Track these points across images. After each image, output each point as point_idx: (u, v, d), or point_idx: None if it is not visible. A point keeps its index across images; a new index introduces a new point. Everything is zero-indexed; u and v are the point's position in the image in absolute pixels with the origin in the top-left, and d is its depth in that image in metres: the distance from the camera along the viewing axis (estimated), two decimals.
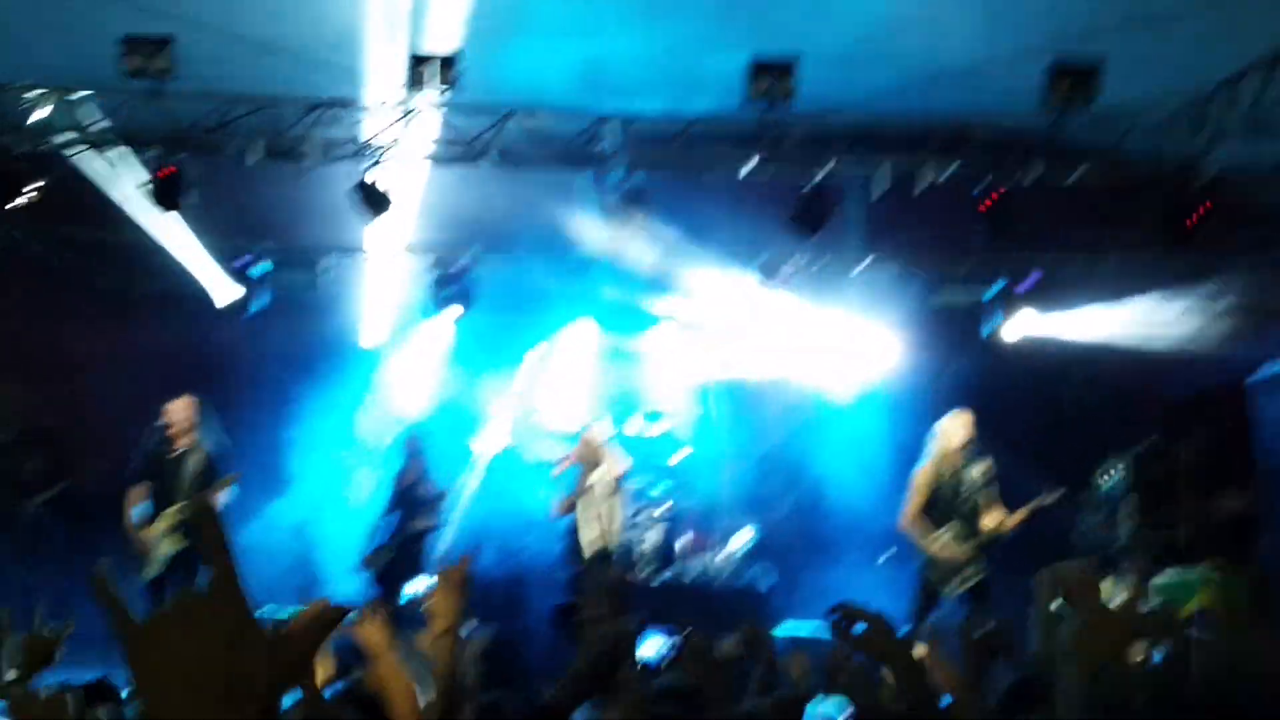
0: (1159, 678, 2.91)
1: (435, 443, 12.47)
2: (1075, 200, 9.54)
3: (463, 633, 3.51)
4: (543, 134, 9.01)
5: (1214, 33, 7.69)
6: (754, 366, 12.49)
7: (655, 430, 11.87)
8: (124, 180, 9.42)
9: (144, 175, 9.10)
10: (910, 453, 9.16)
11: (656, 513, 10.94)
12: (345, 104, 8.88)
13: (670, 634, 4.98)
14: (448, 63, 8.20)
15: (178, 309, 11.33)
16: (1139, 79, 8.12)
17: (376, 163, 8.82)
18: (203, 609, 1.33)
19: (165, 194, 8.87)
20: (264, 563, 9.96)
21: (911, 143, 8.96)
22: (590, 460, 9.73)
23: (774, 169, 9.19)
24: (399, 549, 9.83)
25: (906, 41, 8.14)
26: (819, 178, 8.93)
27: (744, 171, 9.16)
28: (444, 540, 10.54)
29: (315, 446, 10.81)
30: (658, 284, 11.58)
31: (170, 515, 8.79)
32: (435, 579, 4.16)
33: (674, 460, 11.87)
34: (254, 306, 11.44)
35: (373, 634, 3.49)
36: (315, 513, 9.84)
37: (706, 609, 8.84)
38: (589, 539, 9.31)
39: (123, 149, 9.14)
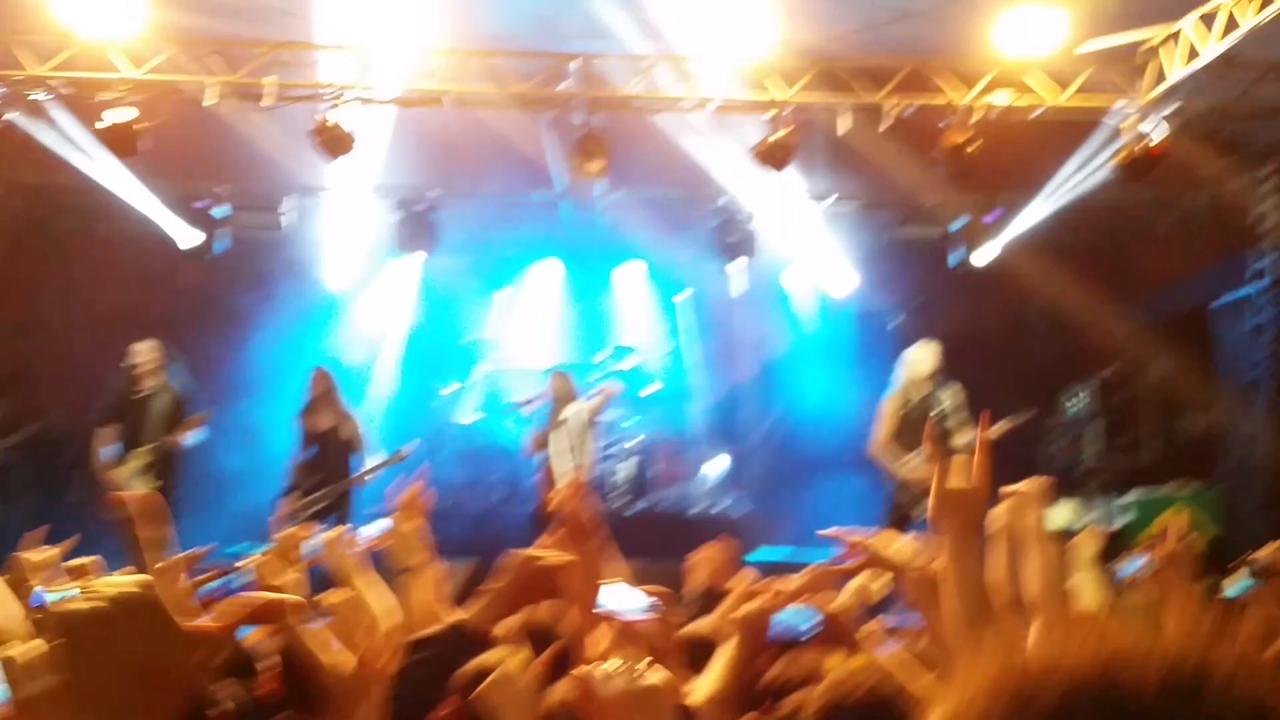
0: None
1: (404, 385, 12.49)
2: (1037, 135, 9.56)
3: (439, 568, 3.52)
4: (505, 74, 8.91)
5: None
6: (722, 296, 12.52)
7: (625, 365, 11.90)
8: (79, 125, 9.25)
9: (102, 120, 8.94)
10: (879, 382, 9.24)
11: (629, 445, 10.99)
12: (305, 45, 8.74)
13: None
14: None
15: (139, 251, 11.21)
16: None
17: (335, 105, 8.70)
18: (127, 604, 1.39)
19: (122, 139, 8.72)
20: (232, 501, 9.93)
21: (876, 78, 8.93)
22: (562, 396, 9.77)
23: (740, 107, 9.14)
24: (328, 496, 9.00)
25: None
26: (785, 113, 8.88)
27: (710, 109, 9.11)
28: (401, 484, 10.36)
29: (280, 389, 10.70)
30: (622, 221, 11.58)
31: (140, 455, 8.77)
32: (390, 520, 4.17)
33: (645, 393, 11.91)
34: (216, 249, 11.36)
35: (341, 560, 3.50)
36: (280, 454, 9.72)
37: (680, 538, 8.88)
38: (562, 473, 9.35)
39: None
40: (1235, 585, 4.38)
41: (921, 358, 8.93)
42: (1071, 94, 8.91)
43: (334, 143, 8.73)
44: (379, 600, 3.16)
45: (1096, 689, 0.82)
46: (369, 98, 8.95)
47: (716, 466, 11.66)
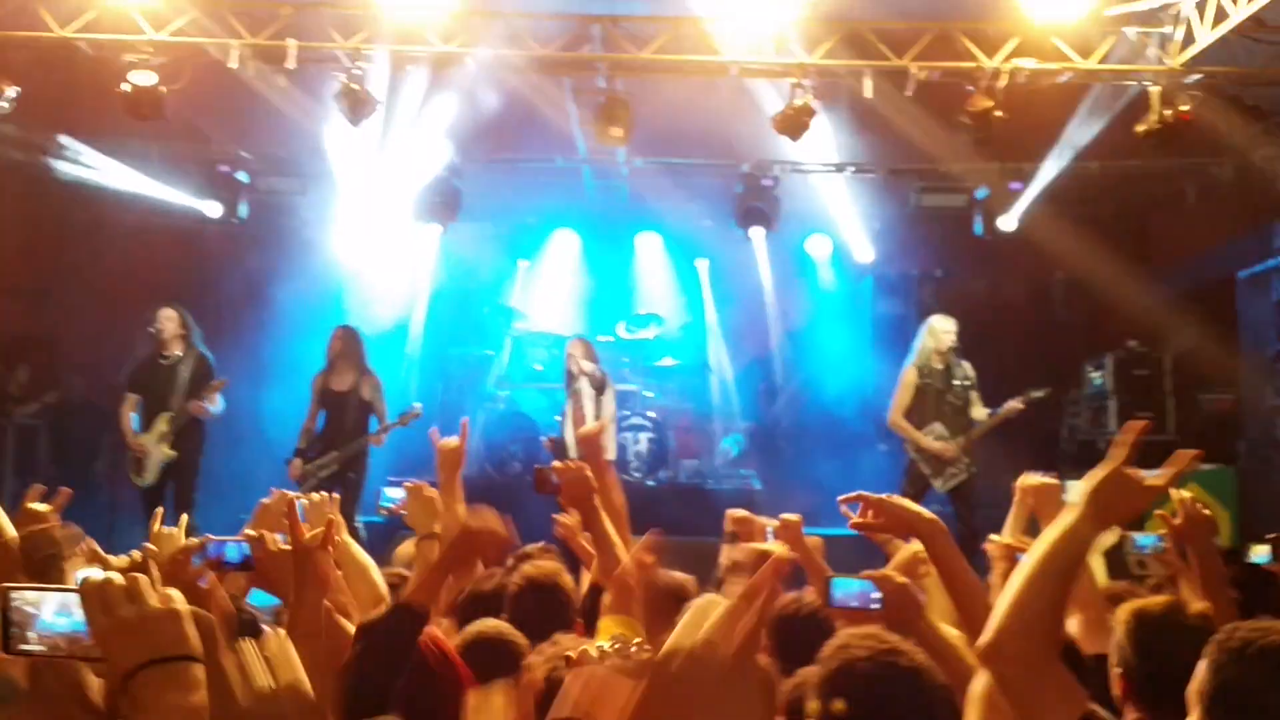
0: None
1: (425, 351, 12.50)
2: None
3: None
4: (528, 37, 8.85)
5: None
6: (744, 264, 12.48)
7: (645, 334, 11.88)
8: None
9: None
10: (900, 351, 9.21)
11: (649, 415, 10.97)
12: (328, 4, 8.70)
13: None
14: None
15: (160, 216, 11.23)
16: None
17: (358, 68, 8.66)
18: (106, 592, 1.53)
19: (146, 103, 8.71)
20: (249, 471, 9.90)
21: (900, 43, 8.82)
22: (579, 362, 9.72)
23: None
24: (339, 459, 8.97)
25: None
26: (805, 81, 8.78)
27: (734, 73, 9.03)
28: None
29: (299, 358, 10.67)
30: (644, 188, 11.54)
31: (165, 420, 8.81)
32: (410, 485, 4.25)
33: (664, 363, 11.89)
34: (236, 215, 11.38)
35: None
36: (295, 423, 9.60)
37: (700, 510, 8.88)
38: (574, 440, 9.34)
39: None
40: (1259, 554, 4.37)
41: (942, 328, 8.89)
42: (1099, 58, 8.78)
43: (357, 106, 8.70)
44: None
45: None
46: (391, 60, 8.89)
47: (735, 438, 11.64)
